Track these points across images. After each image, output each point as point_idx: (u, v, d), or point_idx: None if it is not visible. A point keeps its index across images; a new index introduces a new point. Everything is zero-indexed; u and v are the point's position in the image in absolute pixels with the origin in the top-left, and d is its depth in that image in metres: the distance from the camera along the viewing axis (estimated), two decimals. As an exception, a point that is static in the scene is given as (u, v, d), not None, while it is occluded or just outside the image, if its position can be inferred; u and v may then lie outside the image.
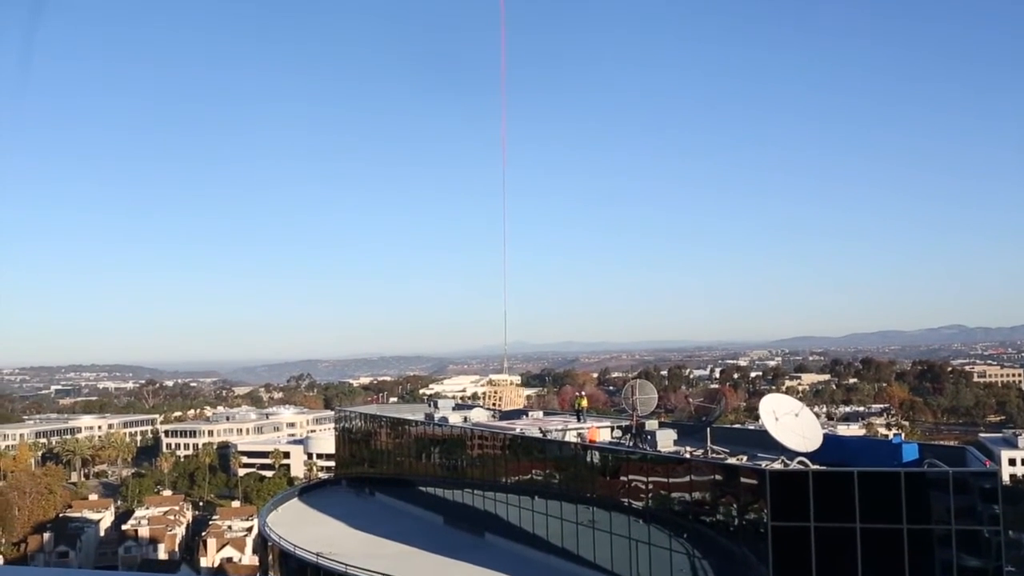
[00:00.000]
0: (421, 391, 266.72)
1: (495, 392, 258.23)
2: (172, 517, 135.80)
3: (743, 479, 31.62)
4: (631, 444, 40.31)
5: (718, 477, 32.78)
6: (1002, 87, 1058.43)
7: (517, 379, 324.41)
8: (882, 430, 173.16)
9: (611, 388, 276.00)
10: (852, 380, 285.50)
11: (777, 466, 31.89)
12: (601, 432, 43.86)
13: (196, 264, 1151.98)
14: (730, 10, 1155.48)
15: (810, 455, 33.19)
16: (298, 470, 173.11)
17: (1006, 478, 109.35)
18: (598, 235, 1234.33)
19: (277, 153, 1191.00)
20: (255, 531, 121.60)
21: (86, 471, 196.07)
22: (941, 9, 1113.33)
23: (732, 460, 34.21)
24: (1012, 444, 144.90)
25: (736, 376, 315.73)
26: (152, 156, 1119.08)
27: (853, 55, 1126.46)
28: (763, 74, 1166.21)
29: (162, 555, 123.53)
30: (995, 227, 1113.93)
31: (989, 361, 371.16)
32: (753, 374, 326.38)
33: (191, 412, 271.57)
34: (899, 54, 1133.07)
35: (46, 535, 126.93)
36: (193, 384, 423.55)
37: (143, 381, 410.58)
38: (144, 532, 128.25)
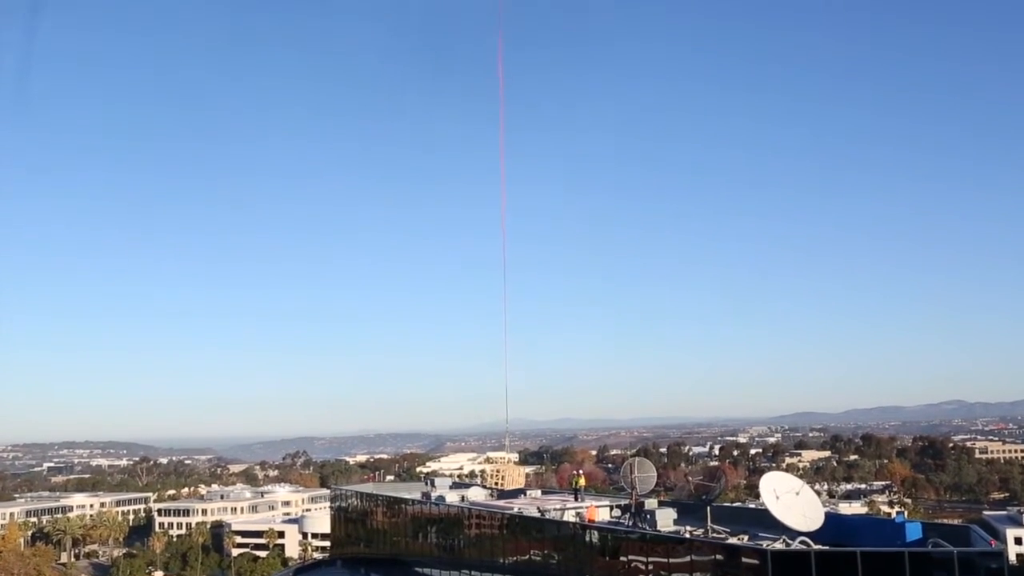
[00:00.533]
0: (418, 469, 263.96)
1: (497, 471, 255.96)
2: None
3: (744, 559, 31.11)
4: (630, 523, 39.76)
5: (719, 557, 32.26)
6: (1003, 162, 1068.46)
7: (515, 457, 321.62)
8: (884, 508, 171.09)
9: (610, 466, 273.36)
10: (853, 457, 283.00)
11: (779, 546, 31.40)
12: (600, 511, 43.31)
13: (192, 339, 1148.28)
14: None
15: (812, 534, 32.73)
16: (293, 550, 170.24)
17: (1012, 557, 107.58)
18: (596, 311, 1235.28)
19: (274, 217, 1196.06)
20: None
21: (76, 551, 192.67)
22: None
23: (733, 540, 33.72)
24: (1017, 522, 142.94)
25: (736, 453, 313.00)
26: (141, 227, 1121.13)
27: (858, 121, 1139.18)
28: (758, 143, 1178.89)
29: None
30: (994, 302, 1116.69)
31: (991, 437, 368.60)
32: (753, 451, 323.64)
33: (185, 490, 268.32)
34: (898, 124, 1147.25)
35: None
36: (188, 461, 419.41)
37: (137, 458, 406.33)
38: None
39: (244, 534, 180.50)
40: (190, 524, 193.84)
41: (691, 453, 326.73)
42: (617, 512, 43.60)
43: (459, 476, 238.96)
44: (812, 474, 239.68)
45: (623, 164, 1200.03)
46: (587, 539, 38.90)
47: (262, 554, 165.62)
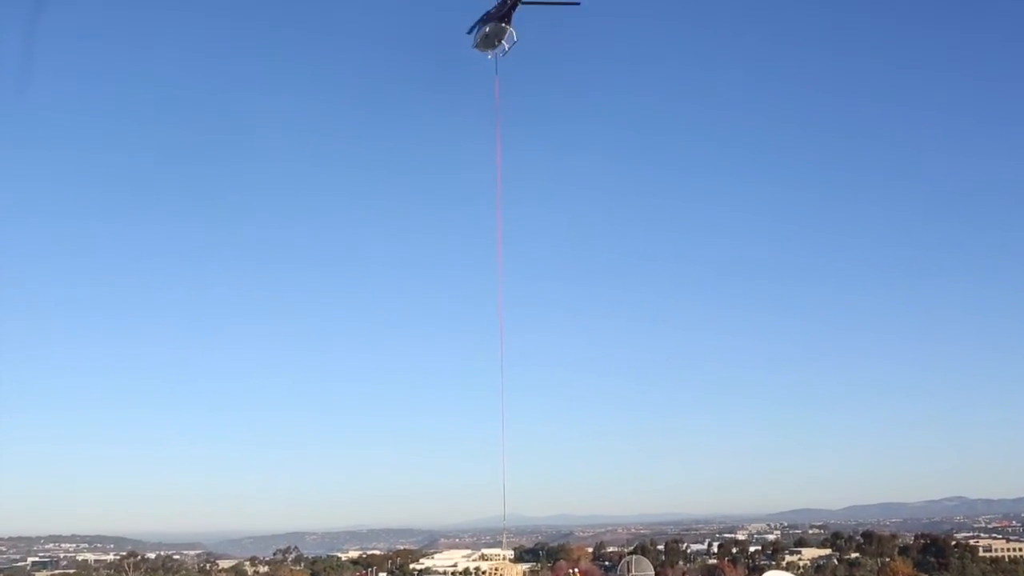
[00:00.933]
0: (412, 566, 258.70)
1: (496, 569, 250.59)
2: None
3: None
4: (628, 625, 38.20)
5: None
6: (1005, 257, 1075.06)
7: (510, 553, 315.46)
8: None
9: (607, 563, 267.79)
10: (854, 555, 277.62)
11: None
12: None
13: (180, 432, 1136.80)
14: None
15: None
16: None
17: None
18: (591, 405, 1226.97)
19: (265, 304, 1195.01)
20: None
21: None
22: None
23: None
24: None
25: (735, 551, 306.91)
26: (128, 315, 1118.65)
27: (864, 214, 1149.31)
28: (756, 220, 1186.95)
29: None
30: (995, 397, 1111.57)
31: (994, 534, 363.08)
32: (752, 548, 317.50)
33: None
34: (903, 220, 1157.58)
35: None
36: (176, 556, 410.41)
37: (124, 553, 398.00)
38: None
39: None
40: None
41: (689, 550, 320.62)
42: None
43: (453, 573, 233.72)
44: (813, 572, 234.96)
45: (621, 259, 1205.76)
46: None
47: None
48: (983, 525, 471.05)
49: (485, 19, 39.62)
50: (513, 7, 38.48)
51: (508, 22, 38.95)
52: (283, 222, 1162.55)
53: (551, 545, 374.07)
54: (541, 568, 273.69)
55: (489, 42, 39.50)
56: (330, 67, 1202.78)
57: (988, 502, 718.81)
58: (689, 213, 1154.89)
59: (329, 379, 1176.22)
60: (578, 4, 39.43)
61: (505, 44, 39.37)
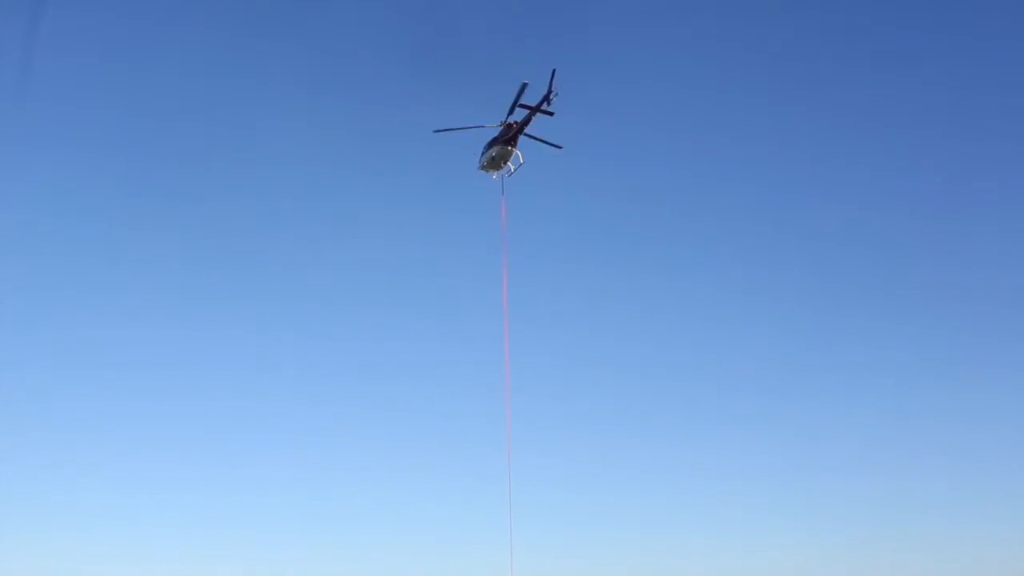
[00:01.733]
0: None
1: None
2: None
3: None
4: None
5: None
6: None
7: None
8: None
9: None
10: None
11: None
12: None
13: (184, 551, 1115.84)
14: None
15: None
16: None
17: None
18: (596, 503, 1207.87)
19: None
20: None
21: None
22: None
23: None
24: None
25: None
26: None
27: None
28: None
29: None
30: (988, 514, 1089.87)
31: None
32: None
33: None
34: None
35: None
36: None
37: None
38: None
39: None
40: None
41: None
42: None
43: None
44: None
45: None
46: None
47: None
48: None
49: (491, 143, 41.22)
50: (519, 132, 39.99)
51: (514, 145, 40.38)
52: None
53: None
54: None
55: (495, 164, 40.67)
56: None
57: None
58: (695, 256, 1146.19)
59: (331, 457, 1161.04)
60: (560, 148, 42.17)
61: (511, 166, 40.69)
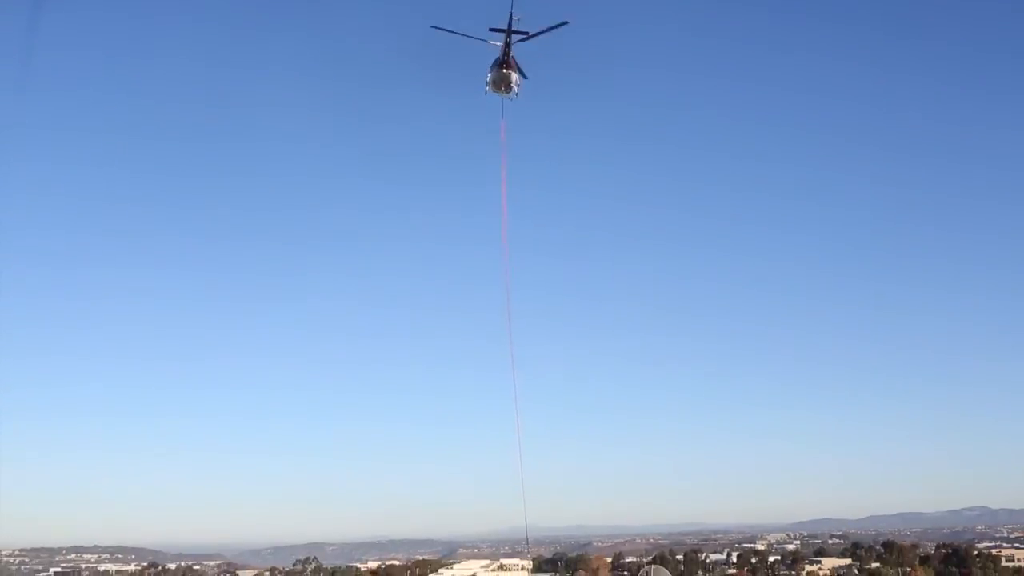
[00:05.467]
0: None
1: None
2: None
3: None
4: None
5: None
6: None
7: (529, 563, 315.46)
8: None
9: (626, 573, 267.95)
10: (874, 564, 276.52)
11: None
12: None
13: (200, 442, 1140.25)
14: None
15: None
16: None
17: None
18: (608, 415, 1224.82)
19: (280, 313, 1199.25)
20: None
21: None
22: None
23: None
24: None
25: (754, 560, 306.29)
26: (147, 324, 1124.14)
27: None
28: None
29: None
30: (1018, 406, 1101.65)
31: (1016, 544, 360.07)
32: (772, 558, 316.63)
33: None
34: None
35: None
36: (197, 567, 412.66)
37: (145, 563, 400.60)
38: None
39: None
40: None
41: (708, 560, 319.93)
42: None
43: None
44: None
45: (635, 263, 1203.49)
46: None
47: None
48: (1005, 535, 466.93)
49: (492, 66, 41.93)
50: (507, 56, 40.67)
51: (508, 67, 41.05)
52: (288, 232, 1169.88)
53: (570, 555, 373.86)
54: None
55: (498, 87, 41.50)
56: (330, 71, 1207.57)
57: (1010, 512, 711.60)
58: (692, 221, 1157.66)
59: (348, 390, 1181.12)
60: (567, 24, 41.00)
61: (515, 87, 41.27)
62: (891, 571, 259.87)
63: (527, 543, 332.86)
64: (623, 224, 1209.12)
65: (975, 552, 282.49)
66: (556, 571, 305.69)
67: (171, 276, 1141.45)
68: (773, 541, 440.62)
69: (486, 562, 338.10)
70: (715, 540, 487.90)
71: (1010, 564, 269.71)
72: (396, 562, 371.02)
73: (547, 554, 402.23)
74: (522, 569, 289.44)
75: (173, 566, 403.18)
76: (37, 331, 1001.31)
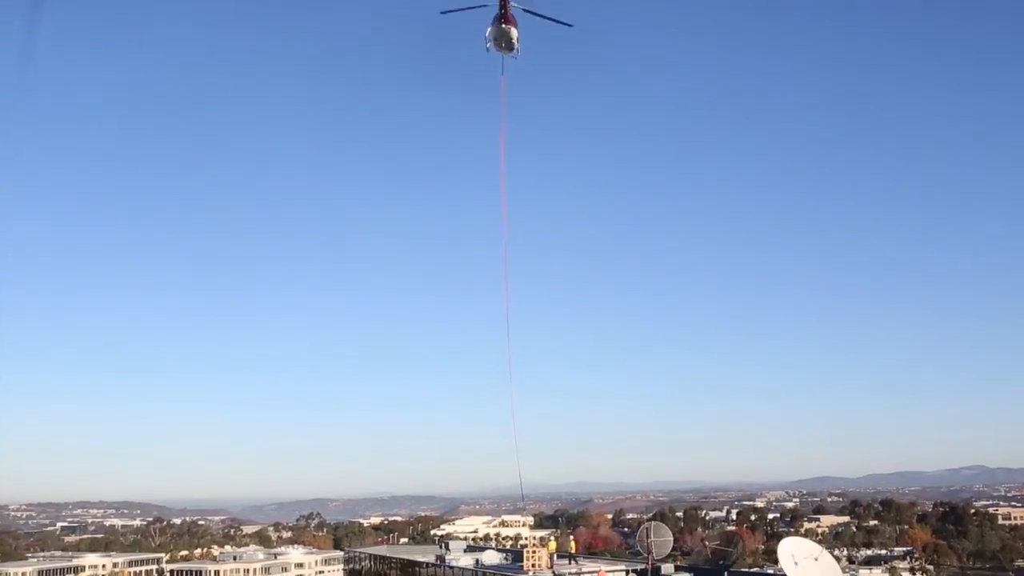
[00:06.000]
0: (432, 532, 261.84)
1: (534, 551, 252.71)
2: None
3: (762, 626, 30.91)
4: (647, 588, 39.44)
5: (736, 623, 32.03)
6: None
7: (530, 520, 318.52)
8: (905, 575, 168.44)
9: (626, 530, 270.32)
10: (872, 522, 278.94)
11: (797, 612, 31.13)
12: (612, 575, 43.12)
13: (205, 398, 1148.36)
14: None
15: (830, 601, 32.43)
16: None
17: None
18: (609, 372, 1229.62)
19: (280, 274, 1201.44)
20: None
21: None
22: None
23: (750, 606, 33.48)
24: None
25: (753, 518, 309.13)
26: (148, 284, 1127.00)
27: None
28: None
29: None
30: (1017, 366, 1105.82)
31: (1013, 503, 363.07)
32: (771, 516, 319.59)
33: (198, 551, 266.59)
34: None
35: None
36: (201, 522, 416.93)
37: (150, 519, 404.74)
38: None
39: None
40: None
41: (708, 517, 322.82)
42: (633, 576, 43.30)
43: (474, 539, 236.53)
44: (831, 539, 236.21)
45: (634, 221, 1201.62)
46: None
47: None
48: (1003, 493, 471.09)
49: (492, 21, 40.96)
50: (503, 7, 39.96)
51: (507, 23, 40.26)
52: (284, 200, 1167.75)
53: (571, 512, 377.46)
54: (560, 534, 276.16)
55: (498, 44, 40.90)
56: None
57: (1008, 471, 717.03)
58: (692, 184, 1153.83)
59: (352, 348, 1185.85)
60: (571, 26, 40.81)
61: (516, 44, 40.68)
62: (889, 529, 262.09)
63: (523, 499, 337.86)
64: (619, 175, 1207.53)
65: (972, 511, 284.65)
66: (557, 527, 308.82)
67: (173, 234, 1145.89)
68: (773, 499, 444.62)
69: (487, 518, 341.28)
70: (715, 498, 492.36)
71: (1006, 522, 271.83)
72: (398, 518, 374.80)
73: (548, 511, 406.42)
74: (523, 525, 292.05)
75: (178, 521, 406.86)
76: (37, 288, 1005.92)
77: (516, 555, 57.69)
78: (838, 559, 55.17)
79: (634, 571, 43.90)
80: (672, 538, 45.17)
